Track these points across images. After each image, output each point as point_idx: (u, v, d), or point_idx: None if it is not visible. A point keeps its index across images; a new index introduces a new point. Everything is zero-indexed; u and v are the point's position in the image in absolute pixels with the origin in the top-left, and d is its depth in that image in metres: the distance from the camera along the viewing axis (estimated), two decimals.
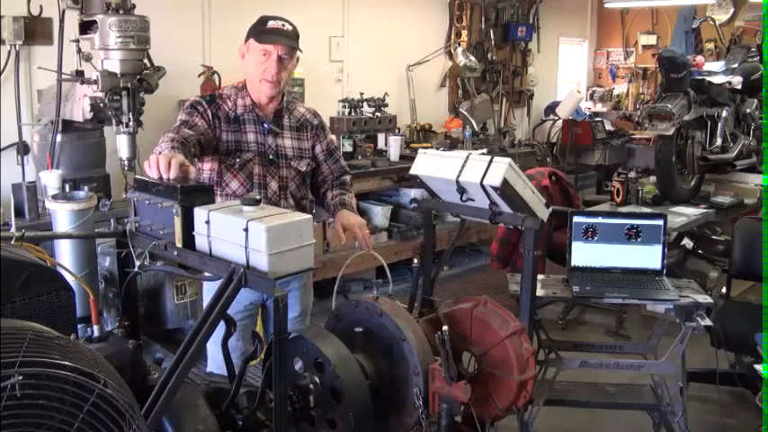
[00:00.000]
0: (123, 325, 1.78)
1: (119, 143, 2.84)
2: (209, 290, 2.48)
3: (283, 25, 2.45)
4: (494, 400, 1.81)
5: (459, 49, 6.62)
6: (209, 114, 2.47)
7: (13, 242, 1.66)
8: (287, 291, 1.45)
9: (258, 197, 1.61)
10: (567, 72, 8.82)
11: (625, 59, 8.80)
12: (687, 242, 4.76)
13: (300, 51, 2.49)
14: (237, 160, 2.49)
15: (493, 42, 7.22)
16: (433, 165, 2.17)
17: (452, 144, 6.22)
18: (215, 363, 2.48)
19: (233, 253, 1.52)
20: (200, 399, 1.54)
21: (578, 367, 2.98)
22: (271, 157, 2.53)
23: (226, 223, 1.54)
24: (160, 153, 1.95)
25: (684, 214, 4.45)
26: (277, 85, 2.48)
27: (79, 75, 3.34)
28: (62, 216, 2.89)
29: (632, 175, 4.68)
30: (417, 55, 6.44)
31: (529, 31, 7.57)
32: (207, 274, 1.63)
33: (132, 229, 1.81)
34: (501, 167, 1.96)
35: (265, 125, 2.53)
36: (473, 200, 2.12)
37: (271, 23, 2.44)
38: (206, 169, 2.50)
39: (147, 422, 1.29)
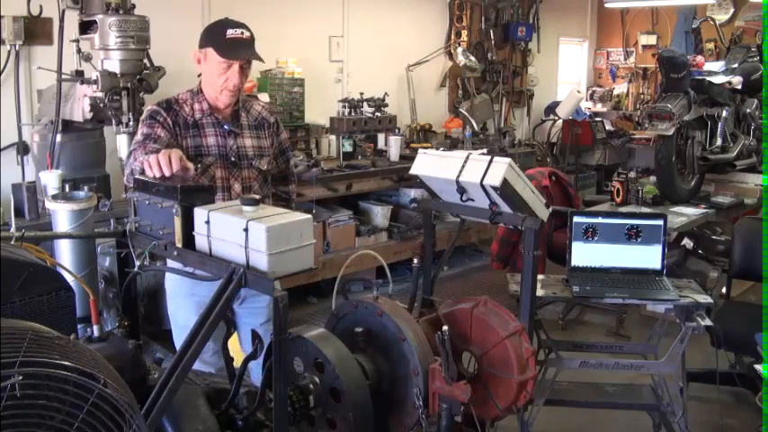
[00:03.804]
0: (123, 325, 1.78)
1: (119, 143, 2.85)
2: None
3: (242, 33, 2.39)
4: (494, 400, 1.81)
5: (460, 49, 6.62)
6: (170, 123, 2.42)
7: (13, 242, 1.66)
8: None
9: (258, 197, 1.60)
10: (567, 72, 8.82)
11: (625, 59, 8.80)
12: (687, 242, 4.75)
13: (262, 61, 2.44)
14: (199, 165, 2.40)
15: (493, 42, 7.23)
16: (433, 165, 2.17)
17: (452, 144, 6.22)
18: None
19: (233, 253, 1.51)
20: (200, 399, 1.54)
21: (578, 367, 2.98)
22: (232, 159, 2.48)
23: (226, 223, 1.53)
24: (143, 161, 1.93)
25: (684, 214, 4.45)
26: (236, 93, 2.45)
27: (79, 75, 3.34)
28: (62, 216, 2.90)
29: (632, 175, 4.69)
30: (417, 55, 6.44)
31: (529, 31, 7.57)
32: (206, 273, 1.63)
33: (132, 229, 1.80)
34: (501, 167, 1.96)
35: (225, 127, 2.48)
36: (473, 200, 2.12)
37: (230, 33, 2.36)
38: None
39: (147, 422, 1.29)
